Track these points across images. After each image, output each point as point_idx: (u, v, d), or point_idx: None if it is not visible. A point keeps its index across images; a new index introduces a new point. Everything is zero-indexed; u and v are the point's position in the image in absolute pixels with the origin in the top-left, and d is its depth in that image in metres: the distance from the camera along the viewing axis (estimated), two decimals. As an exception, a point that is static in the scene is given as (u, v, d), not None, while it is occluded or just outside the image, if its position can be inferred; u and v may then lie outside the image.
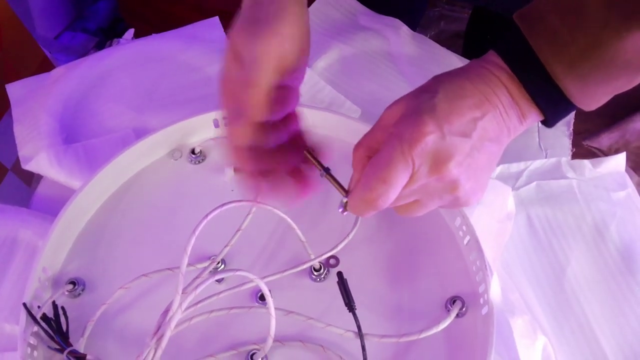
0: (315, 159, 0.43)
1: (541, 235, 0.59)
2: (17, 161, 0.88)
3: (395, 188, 0.39)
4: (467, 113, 0.39)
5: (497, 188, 0.57)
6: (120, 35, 0.82)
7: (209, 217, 0.43)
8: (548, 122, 0.42)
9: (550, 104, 0.41)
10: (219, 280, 0.52)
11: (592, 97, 0.40)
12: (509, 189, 0.58)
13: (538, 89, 0.40)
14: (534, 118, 0.42)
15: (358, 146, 0.43)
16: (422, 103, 0.39)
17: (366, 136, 0.43)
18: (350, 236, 0.53)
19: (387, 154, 0.39)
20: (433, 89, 0.40)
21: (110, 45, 0.79)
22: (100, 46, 1.37)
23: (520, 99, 0.41)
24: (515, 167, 0.63)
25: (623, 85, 0.40)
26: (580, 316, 0.54)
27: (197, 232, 0.42)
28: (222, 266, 0.53)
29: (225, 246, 0.51)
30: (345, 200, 0.42)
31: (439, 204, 0.42)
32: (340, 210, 0.43)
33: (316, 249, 0.52)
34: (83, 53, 1.33)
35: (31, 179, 0.90)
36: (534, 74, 0.39)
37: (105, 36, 1.42)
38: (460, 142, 0.39)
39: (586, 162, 0.64)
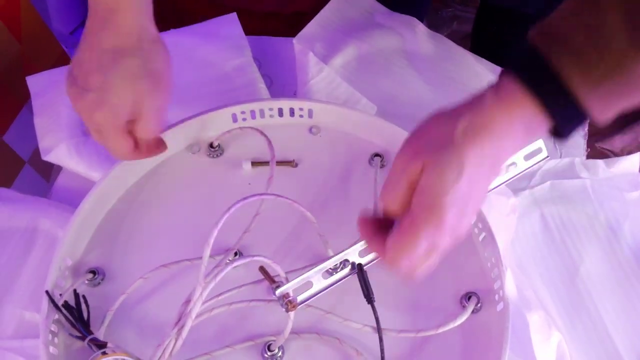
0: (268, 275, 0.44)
1: (555, 234, 0.60)
2: (34, 153, 0.89)
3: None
4: (484, 182, 0.40)
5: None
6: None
7: (231, 210, 0.43)
8: (563, 137, 0.41)
9: (567, 120, 0.40)
10: (234, 265, 0.52)
11: (609, 113, 0.39)
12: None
13: (558, 109, 0.39)
14: (541, 133, 0.41)
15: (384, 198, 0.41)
16: (445, 188, 0.38)
17: (389, 193, 0.41)
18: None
19: (412, 230, 0.38)
20: (457, 152, 0.38)
21: (129, 39, 0.79)
22: (114, 42, 1.37)
23: (533, 119, 0.39)
24: None
25: (638, 102, 0.39)
26: (594, 314, 0.55)
27: (219, 225, 0.43)
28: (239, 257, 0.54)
29: (244, 232, 0.52)
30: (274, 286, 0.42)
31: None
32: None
33: (332, 241, 0.52)
34: (98, 48, 1.33)
35: (48, 171, 0.91)
36: (553, 93, 0.38)
37: (119, 32, 1.42)
38: (476, 205, 0.40)
39: (600, 162, 0.64)
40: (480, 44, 0.95)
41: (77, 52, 0.49)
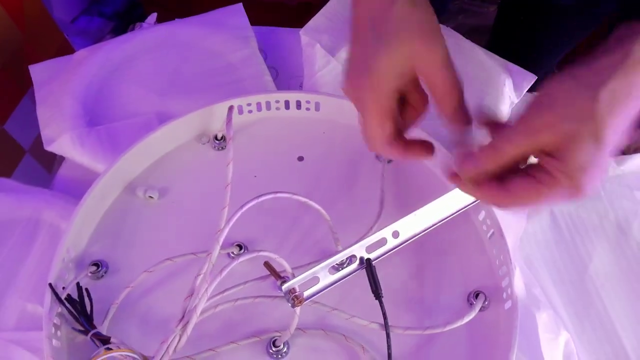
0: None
1: (564, 232, 0.59)
2: (35, 143, 0.88)
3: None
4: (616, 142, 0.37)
5: None
6: (136, 19, 0.82)
7: (244, 208, 0.43)
8: None
9: None
10: (240, 260, 0.51)
11: None
12: None
13: None
14: None
15: (498, 153, 0.39)
16: (588, 158, 0.36)
17: (509, 149, 0.39)
18: (374, 229, 0.53)
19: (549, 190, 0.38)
20: (599, 126, 0.36)
21: (133, 29, 0.78)
22: (116, 31, 1.36)
23: None
24: None
25: None
26: (602, 313, 0.54)
27: (231, 223, 0.42)
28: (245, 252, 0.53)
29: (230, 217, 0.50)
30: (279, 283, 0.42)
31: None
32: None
33: (339, 237, 0.52)
34: (99, 37, 1.32)
35: (48, 161, 0.90)
36: None
37: (121, 20, 1.41)
38: None
39: (610, 160, 0.64)
40: (500, 42, 0.91)
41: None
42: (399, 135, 0.43)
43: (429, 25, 0.40)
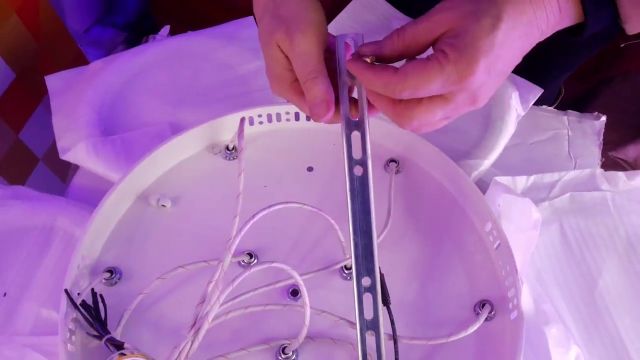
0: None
1: (574, 246, 0.59)
2: (49, 151, 0.90)
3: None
4: (516, 47, 0.38)
5: (518, 203, 0.55)
6: (148, 31, 0.83)
7: (255, 218, 0.44)
8: (585, 28, 0.40)
9: (596, 18, 0.39)
10: (252, 271, 0.52)
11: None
12: (529, 200, 0.55)
13: (594, 7, 0.39)
14: (568, 21, 0.40)
15: (399, 35, 0.40)
16: (482, 33, 0.37)
17: (409, 30, 0.40)
18: (381, 238, 0.54)
19: (432, 82, 0.37)
20: (495, 4, 0.37)
21: (147, 41, 0.80)
22: (128, 41, 1.38)
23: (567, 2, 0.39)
24: (548, 177, 0.63)
25: None
26: (611, 328, 0.54)
27: (243, 232, 0.43)
28: (255, 261, 0.54)
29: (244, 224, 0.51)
30: None
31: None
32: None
33: (346, 246, 0.53)
34: (112, 47, 1.34)
35: (61, 169, 0.92)
36: None
37: (133, 31, 1.43)
38: (500, 75, 0.39)
39: (621, 174, 0.64)
40: None
41: None
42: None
43: (296, 18, 0.43)
